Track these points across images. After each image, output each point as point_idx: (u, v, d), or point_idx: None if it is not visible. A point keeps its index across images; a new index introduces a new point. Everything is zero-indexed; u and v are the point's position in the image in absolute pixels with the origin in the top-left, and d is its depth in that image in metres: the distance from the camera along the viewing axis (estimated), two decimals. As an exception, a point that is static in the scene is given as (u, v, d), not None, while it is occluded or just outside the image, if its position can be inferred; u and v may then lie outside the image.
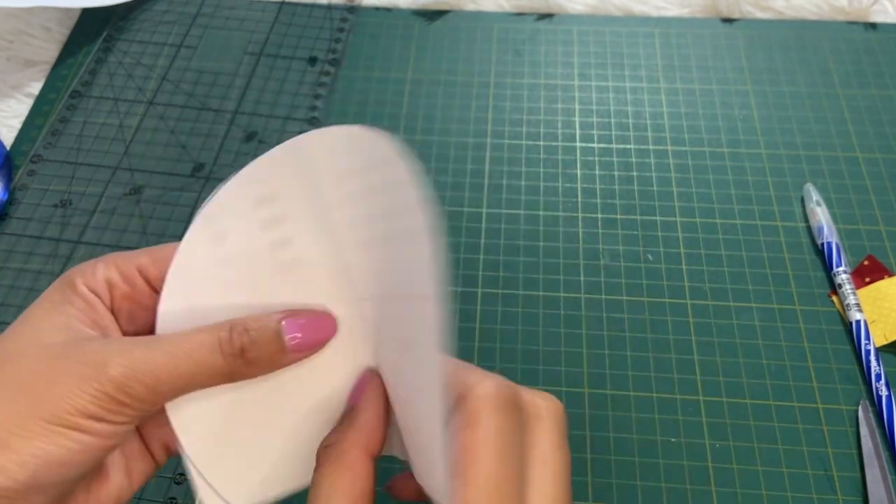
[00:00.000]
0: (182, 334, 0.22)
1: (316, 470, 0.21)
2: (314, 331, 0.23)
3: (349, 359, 0.24)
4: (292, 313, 0.23)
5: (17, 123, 0.47)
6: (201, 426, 0.23)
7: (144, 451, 0.24)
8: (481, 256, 0.41)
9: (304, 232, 0.25)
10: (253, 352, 0.22)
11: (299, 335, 0.22)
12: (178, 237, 0.39)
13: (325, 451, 0.21)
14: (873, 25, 0.51)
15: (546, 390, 0.36)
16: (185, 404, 0.23)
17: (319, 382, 0.24)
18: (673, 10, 0.53)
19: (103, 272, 0.23)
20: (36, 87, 0.49)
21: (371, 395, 0.23)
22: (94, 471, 0.22)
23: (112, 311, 0.23)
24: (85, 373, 0.20)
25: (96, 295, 0.23)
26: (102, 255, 0.24)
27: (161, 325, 0.23)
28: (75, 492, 0.22)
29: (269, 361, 0.23)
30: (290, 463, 0.24)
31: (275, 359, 0.22)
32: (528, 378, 0.37)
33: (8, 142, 0.46)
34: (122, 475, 0.23)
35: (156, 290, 0.24)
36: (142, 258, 0.24)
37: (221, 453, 0.23)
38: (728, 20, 0.52)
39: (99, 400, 0.20)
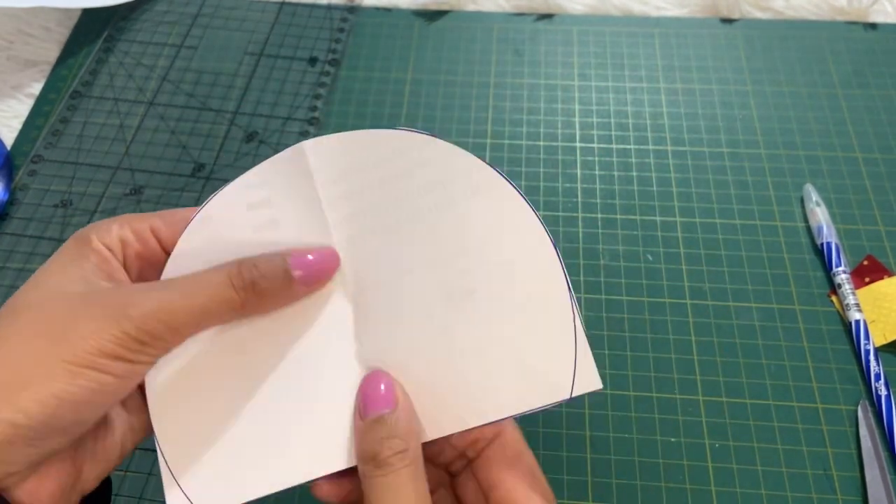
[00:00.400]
0: (194, 274, 0.23)
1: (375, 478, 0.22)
2: (318, 262, 0.24)
3: (335, 348, 0.25)
4: (297, 249, 0.24)
5: (17, 124, 0.47)
6: (181, 425, 0.24)
7: (143, 405, 0.24)
8: (481, 256, 0.41)
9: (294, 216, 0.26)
10: (263, 283, 0.23)
11: (302, 272, 0.24)
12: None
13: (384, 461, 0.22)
14: (873, 25, 0.51)
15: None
16: (167, 405, 0.24)
17: (306, 373, 0.25)
18: (672, 11, 0.53)
19: (118, 231, 0.24)
20: (36, 88, 0.49)
21: (403, 399, 0.24)
22: (102, 421, 0.23)
23: (125, 268, 0.24)
24: (105, 315, 0.21)
25: (110, 250, 0.23)
26: (118, 216, 0.25)
27: (169, 269, 0.25)
28: (87, 439, 0.23)
29: (279, 294, 0.24)
30: (272, 463, 0.24)
31: (284, 291, 0.24)
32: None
33: (8, 142, 0.46)
34: (127, 427, 0.24)
35: (166, 252, 0.25)
36: (155, 220, 0.25)
37: (199, 453, 0.24)
38: (728, 20, 0.52)
39: (120, 340, 0.21)
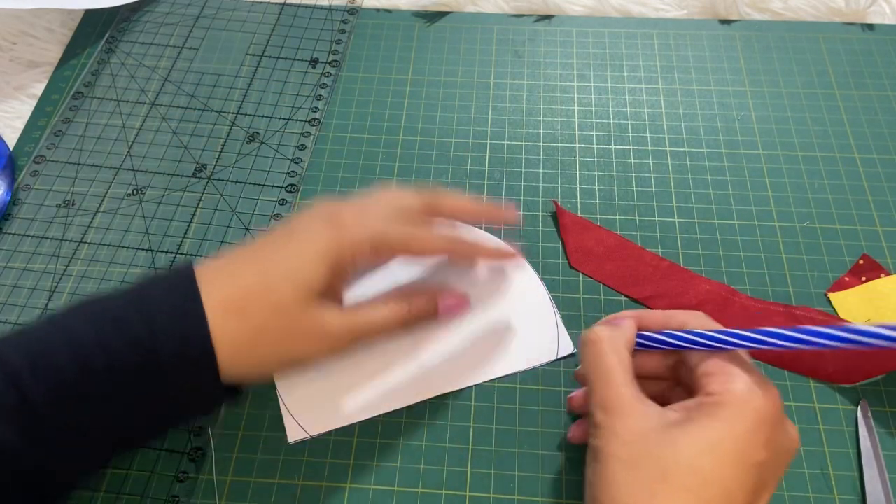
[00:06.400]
0: (378, 306, 0.34)
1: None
2: (456, 303, 0.37)
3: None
4: (445, 293, 0.37)
5: (20, 124, 0.48)
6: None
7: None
8: (481, 256, 0.41)
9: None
10: (422, 315, 0.35)
11: (444, 309, 0.36)
12: (181, 237, 0.40)
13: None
14: (870, 26, 0.52)
15: (544, 390, 0.37)
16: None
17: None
18: (671, 12, 0.53)
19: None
20: (39, 88, 0.50)
21: None
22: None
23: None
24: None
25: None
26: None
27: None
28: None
29: (429, 320, 0.36)
30: (360, 398, 0.37)
31: (431, 318, 0.36)
32: (527, 379, 0.37)
33: (11, 142, 0.47)
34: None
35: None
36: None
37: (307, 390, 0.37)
38: (726, 21, 0.52)
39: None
